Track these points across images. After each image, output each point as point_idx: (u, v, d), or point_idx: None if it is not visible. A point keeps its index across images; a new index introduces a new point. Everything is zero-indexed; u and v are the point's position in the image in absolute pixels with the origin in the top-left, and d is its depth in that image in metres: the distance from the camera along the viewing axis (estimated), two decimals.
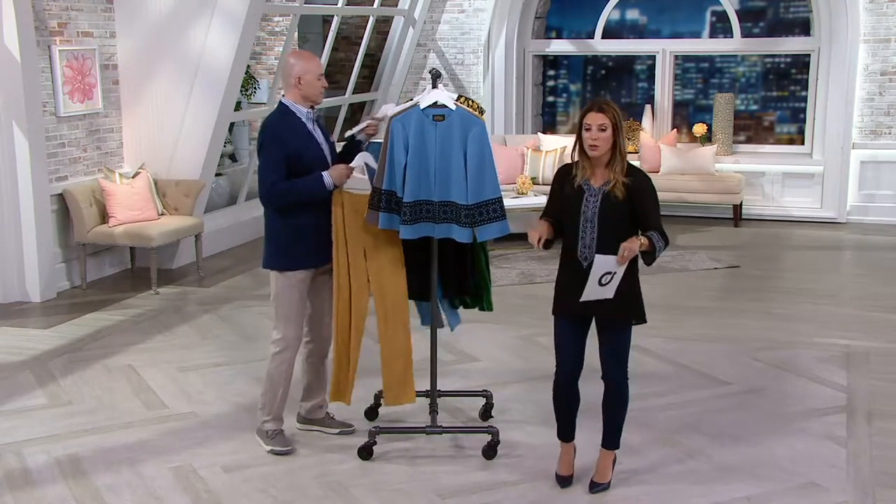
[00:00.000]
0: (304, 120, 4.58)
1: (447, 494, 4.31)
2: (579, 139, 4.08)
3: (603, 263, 3.98)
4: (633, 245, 3.95)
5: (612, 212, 4.06)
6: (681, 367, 5.95)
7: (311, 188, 4.50)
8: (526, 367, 5.96)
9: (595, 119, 4.01)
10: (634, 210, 4.09)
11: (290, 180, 4.50)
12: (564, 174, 4.22)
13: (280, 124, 4.56)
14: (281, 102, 4.62)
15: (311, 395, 4.96)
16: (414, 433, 4.88)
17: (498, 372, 5.87)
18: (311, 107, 4.64)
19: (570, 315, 4.19)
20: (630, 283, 4.14)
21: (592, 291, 4.04)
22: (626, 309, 4.16)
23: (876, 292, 7.66)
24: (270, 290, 4.73)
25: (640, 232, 4.10)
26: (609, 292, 4.06)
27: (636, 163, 10.40)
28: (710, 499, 4.27)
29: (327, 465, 4.61)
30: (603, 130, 4.01)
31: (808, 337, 6.53)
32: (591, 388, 4.42)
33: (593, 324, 4.24)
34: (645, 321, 4.26)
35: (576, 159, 4.16)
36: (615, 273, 4.00)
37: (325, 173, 4.49)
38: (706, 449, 4.76)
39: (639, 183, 4.10)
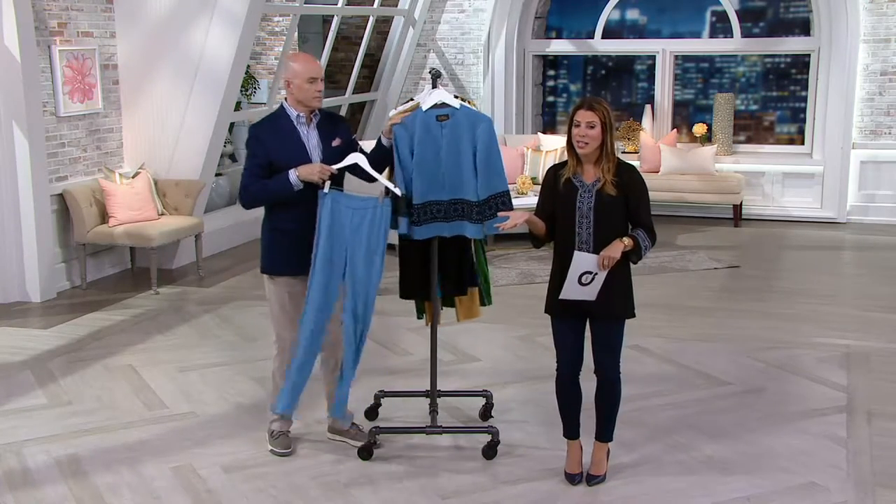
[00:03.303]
0: (294, 123, 4.51)
1: (447, 494, 4.31)
2: (570, 136, 4.12)
3: (582, 261, 4.03)
4: (614, 252, 4.03)
5: (606, 207, 4.11)
6: (681, 367, 5.95)
7: (278, 187, 4.43)
8: (526, 367, 5.96)
9: (584, 116, 4.06)
10: (628, 205, 4.13)
11: (262, 181, 4.46)
12: (556, 173, 4.26)
13: (266, 126, 4.52)
14: (280, 104, 4.59)
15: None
16: (414, 433, 4.88)
17: (498, 372, 5.87)
18: (313, 111, 4.54)
19: (565, 312, 4.22)
20: (623, 278, 4.18)
21: (572, 290, 4.08)
22: (618, 304, 4.20)
23: (876, 292, 7.66)
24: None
25: (630, 228, 4.15)
26: (590, 294, 4.09)
27: (636, 163, 10.49)
28: (710, 499, 4.27)
29: (327, 465, 4.61)
30: (592, 128, 4.05)
31: (808, 337, 6.53)
32: (593, 386, 4.42)
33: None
34: (633, 316, 4.28)
35: (565, 157, 4.23)
36: (596, 274, 4.04)
37: (291, 170, 4.39)
38: (706, 449, 4.76)
39: (629, 179, 4.15)
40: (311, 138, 4.54)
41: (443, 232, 4.50)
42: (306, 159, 4.48)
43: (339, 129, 4.63)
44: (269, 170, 4.46)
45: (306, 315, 4.45)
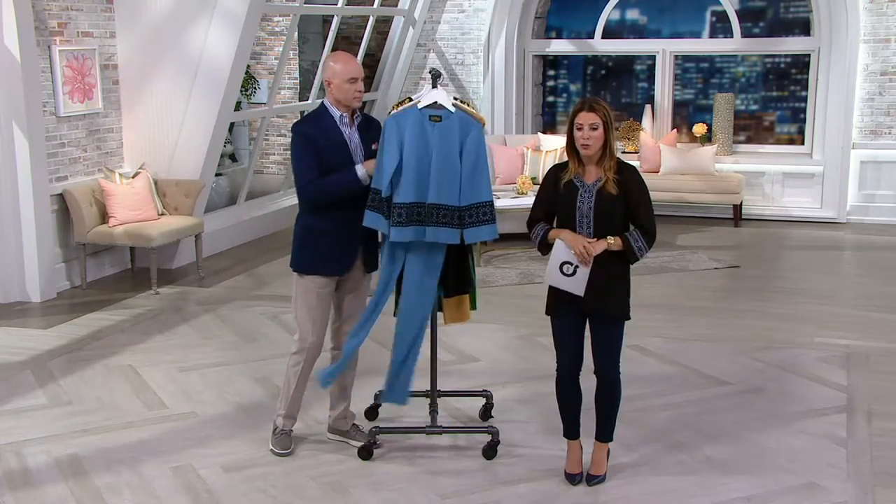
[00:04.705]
0: (337, 123, 4.49)
1: (447, 494, 4.31)
2: (570, 138, 4.11)
3: (560, 249, 4.07)
4: (595, 247, 4.05)
5: (607, 207, 4.12)
6: (681, 367, 5.95)
7: (344, 181, 4.42)
8: (526, 367, 5.96)
9: (587, 118, 4.06)
10: (628, 205, 4.13)
11: (323, 177, 4.43)
12: (556, 174, 4.26)
13: (310, 123, 4.51)
14: (321, 103, 4.57)
15: (336, 404, 4.87)
16: (414, 433, 4.88)
17: (498, 372, 5.87)
18: (353, 112, 4.52)
19: (563, 311, 4.23)
20: (622, 279, 4.20)
21: (553, 276, 4.12)
22: (617, 304, 4.21)
23: (876, 292, 7.66)
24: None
25: (629, 227, 4.16)
26: (576, 287, 4.11)
27: (636, 163, 10.49)
28: (709, 499, 4.27)
29: (327, 465, 4.62)
30: (594, 129, 4.06)
31: (808, 337, 6.53)
32: (593, 386, 4.42)
33: None
34: (629, 318, 4.28)
35: (566, 158, 4.24)
36: (577, 267, 4.07)
37: (358, 165, 4.41)
38: (706, 449, 4.76)
39: (629, 178, 4.16)
40: (352, 139, 4.53)
41: (422, 236, 4.42)
42: (349, 161, 4.47)
43: (375, 132, 4.61)
44: (319, 164, 4.44)
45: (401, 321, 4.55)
